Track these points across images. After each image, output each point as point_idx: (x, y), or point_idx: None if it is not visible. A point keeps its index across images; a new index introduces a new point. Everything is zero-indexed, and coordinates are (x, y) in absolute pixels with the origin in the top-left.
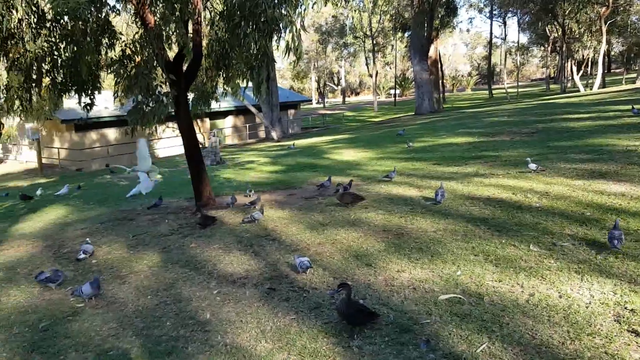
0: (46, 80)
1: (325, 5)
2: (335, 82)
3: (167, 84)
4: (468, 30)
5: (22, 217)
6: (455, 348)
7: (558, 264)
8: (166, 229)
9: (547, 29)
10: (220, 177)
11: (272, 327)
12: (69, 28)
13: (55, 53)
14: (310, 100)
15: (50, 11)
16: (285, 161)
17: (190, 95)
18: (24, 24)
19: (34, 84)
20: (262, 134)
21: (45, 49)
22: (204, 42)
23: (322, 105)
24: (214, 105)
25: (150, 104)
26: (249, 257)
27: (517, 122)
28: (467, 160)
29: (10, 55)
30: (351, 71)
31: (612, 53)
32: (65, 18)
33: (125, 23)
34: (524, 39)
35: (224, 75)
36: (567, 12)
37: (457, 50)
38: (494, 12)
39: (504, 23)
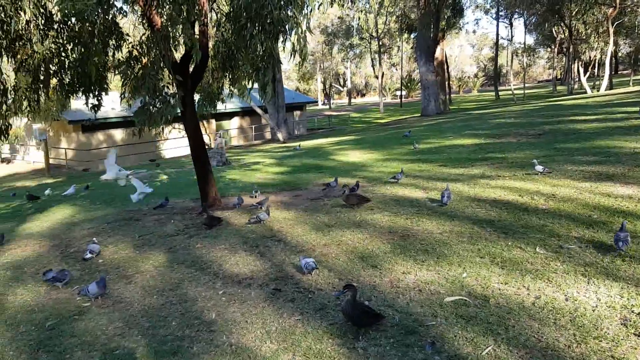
0: (54, 82)
1: (331, 7)
2: (341, 83)
3: (174, 85)
4: (474, 32)
5: (30, 217)
6: (461, 350)
7: (564, 267)
8: (172, 229)
9: (553, 30)
10: (226, 178)
11: (277, 328)
12: (77, 30)
13: (63, 54)
14: (316, 102)
15: (58, 13)
16: (291, 162)
17: (196, 97)
18: (31, 26)
19: (41, 85)
20: (268, 135)
21: (53, 50)
22: (210, 44)
23: (327, 107)
24: (220, 107)
25: (157, 105)
26: (254, 257)
27: (523, 124)
28: (474, 161)
29: (19, 56)
30: (357, 72)
31: (619, 54)
32: (73, 20)
33: (132, 25)
34: (530, 40)
35: (230, 76)
36: (574, 13)
37: (463, 51)
38: (501, 14)
39: (511, 24)
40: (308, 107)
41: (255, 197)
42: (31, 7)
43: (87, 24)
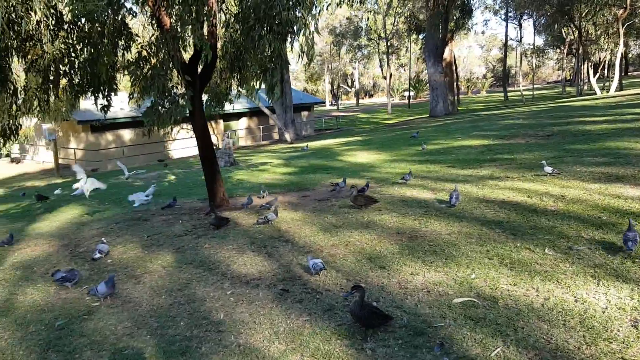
0: (63, 82)
1: (340, 7)
2: (349, 84)
3: (182, 85)
4: (483, 33)
5: (39, 217)
6: (470, 352)
7: (574, 268)
8: (180, 229)
9: (563, 31)
10: (233, 179)
11: (285, 329)
12: (86, 30)
13: (73, 55)
14: (324, 102)
15: (69, 13)
16: (299, 163)
17: (204, 97)
18: (42, 26)
19: (51, 85)
20: (275, 136)
21: (63, 51)
22: (219, 44)
23: (335, 107)
24: (228, 107)
25: (166, 105)
26: (262, 258)
27: (532, 125)
28: (482, 162)
29: (29, 56)
30: (365, 73)
31: (630, 55)
32: (83, 20)
33: (142, 25)
34: (539, 41)
35: (238, 77)
36: (584, 14)
37: (472, 52)
38: (510, 14)
39: (520, 25)
40: (316, 108)
41: (263, 197)
42: (42, 7)
43: (96, 25)
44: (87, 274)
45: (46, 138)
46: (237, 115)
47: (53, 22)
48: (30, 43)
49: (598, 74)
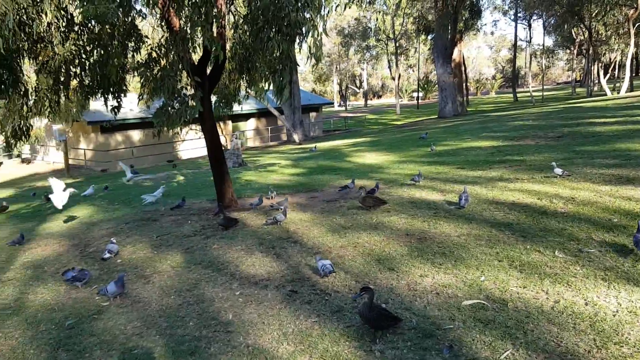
0: (74, 83)
1: (349, 7)
2: (357, 84)
3: (192, 86)
4: (492, 33)
5: (49, 217)
6: (479, 354)
7: (584, 271)
8: (189, 229)
9: (573, 31)
10: (242, 179)
11: (294, 330)
12: (97, 32)
13: (83, 56)
14: (332, 103)
15: (80, 15)
16: (307, 164)
17: (213, 98)
18: (52, 28)
19: (62, 87)
20: (283, 137)
21: (74, 52)
22: (228, 46)
23: (343, 108)
24: (237, 108)
25: (176, 106)
26: (270, 259)
27: (542, 126)
28: (491, 164)
29: (40, 58)
30: (373, 74)
31: None
32: (93, 22)
33: (151, 27)
34: (549, 41)
35: (247, 78)
36: (594, 14)
37: (481, 53)
38: (519, 15)
39: (529, 25)
40: (324, 109)
41: (272, 198)
42: (52, 9)
43: (107, 26)
44: (97, 273)
45: (56, 139)
46: (246, 116)
47: (64, 23)
48: (41, 45)
49: (608, 75)
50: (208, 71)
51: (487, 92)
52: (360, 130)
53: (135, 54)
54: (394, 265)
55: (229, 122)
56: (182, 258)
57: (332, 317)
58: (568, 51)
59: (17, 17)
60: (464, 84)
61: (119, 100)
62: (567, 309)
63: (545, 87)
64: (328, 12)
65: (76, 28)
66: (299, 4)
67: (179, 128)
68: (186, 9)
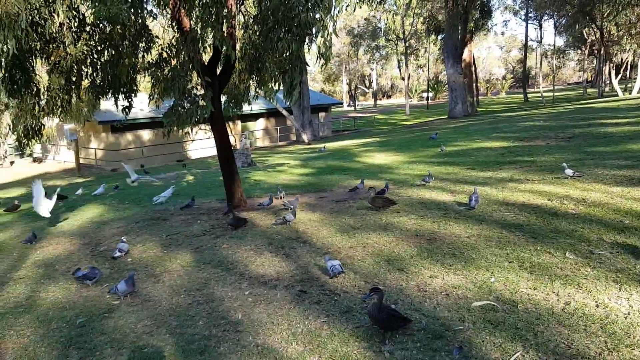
0: (85, 83)
1: (360, 7)
2: (367, 85)
3: (202, 86)
4: (503, 33)
5: (61, 216)
6: (489, 356)
7: (595, 273)
8: (199, 229)
9: (584, 31)
10: (251, 179)
11: (303, 330)
12: (108, 32)
13: (95, 56)
14: (341, 103)
15: (92, 16)
16: (316, 164)
17: (223, 98)
18: (64, 28)
19: (73, 86)
20: (292, 137)
21: (85, 52)
22: (238, 46)
23: (353, 108)
24: (246, 108)
25: (186, 106)
26: (280, 259)
27: (553, 127)
28: (502, 165)
29: (52, 58)
30: (383, 74)
31: None
32: (105, 22)
33: (162, 27)
34: (560, 41)
35: (257, 78)
36: (606, 14)
37: (491, 53)
38: (530, 15)
39: (540, 26)
40: (333, 109)
41: (281, 198)
42: (64, 9)
43: (118, 27)
44: (108, 272)
45: (68, 138)
46: (255, 116)
47: (75, 24)
48: (53, 45)
49: (620, 76)
50: (218, 71)
51: (498, 92)
52: (370, 130)
53: (145, 54)
54: (403, 266)
55: (238, 122)
56: (192, 257)
57: (342, 317)
58: (579, 51)
59: (30, 17)
60: (474, 84)
61: (129, 100)
62: (578, 310)
63: (556, 87)
64: (338, 12)
65: (88, 28)
66: (309, 4)
67: (189, 128)
68: (197, 9)
